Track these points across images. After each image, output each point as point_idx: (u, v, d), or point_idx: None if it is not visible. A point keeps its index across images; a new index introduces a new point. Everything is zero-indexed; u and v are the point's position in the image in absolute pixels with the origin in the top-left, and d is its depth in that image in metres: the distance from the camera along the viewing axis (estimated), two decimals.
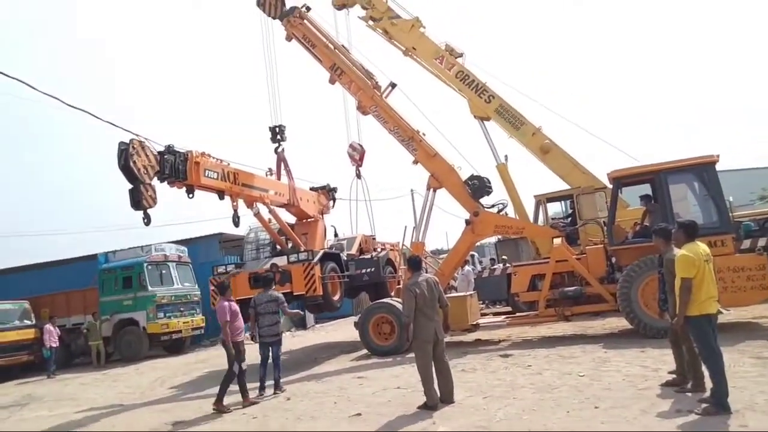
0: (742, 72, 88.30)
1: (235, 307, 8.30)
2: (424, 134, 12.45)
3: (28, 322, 17.14)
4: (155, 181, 9.59)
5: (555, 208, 16.57)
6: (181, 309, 17.80)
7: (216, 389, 8.27)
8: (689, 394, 5.86)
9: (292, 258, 11.72)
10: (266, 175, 12.98)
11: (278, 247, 13.04)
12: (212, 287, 12.10)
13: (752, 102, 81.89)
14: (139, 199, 9.15)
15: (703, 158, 9.43)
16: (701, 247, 5.55)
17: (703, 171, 9.42)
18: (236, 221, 11.44)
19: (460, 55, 12.81)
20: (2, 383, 15.39)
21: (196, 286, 18.63)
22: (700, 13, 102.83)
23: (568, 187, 12.51)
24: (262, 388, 8.80)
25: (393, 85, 12.87)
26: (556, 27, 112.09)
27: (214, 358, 15.43)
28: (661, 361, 7.38)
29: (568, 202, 14.91)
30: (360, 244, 14.57)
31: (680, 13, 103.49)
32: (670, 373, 6.55)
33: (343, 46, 13.33)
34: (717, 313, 5.53)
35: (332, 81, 13.02)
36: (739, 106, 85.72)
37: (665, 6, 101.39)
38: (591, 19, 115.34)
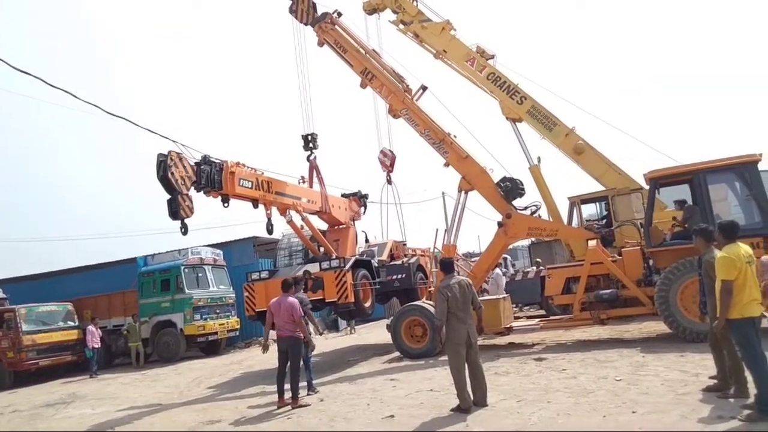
0: (749, 73, 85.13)
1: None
2: (455, 136, 12.42)
3: (71, 324, 17.74)
4: (192, 191, 9.86)
5: (589, 210, 16.27)
6: (217, 311, 18.16)
7: (252, 389, 8.41)
8: (732, 399, 5.70)
9: (324, 265, 11.84)
10: (298, 182, 13.18)
11: (310, 253, 13.20)
12: (246, 293, 12.34)
13: (759, 103, 79.03)
14: (177, 210, 9.44)
15: (745, 157, 9.16)
16: (743, 248, 5.41)
17: (744, 170, 9.14)
18: (270, 229, 11.68)
19: (492, 57, 12.72)
20: (48, 382, 15.97)
21: (231, 289, 18.97)
22: (705, 14, 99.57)
23: (603, 188, 12.30)
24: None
25: (424, 88, 12.90)
26: (560, 30, 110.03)
27: (249, 359, 15.69)
28: (702, 365, 7.19)
29: (603, 203, 14.65)
30: (391, 250, 14.64)
31: (684, 14, 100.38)
32: (711, 378, 6.38)
33: (374, 50, 13.43)
34: (761, 316, 5.38)
35: (363, 85, 13.13)
36: (745, 108, 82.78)
37: (669, 8, 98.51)
38: (594, 22, 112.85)
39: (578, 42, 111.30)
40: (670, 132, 76.05)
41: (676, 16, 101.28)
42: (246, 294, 12.44)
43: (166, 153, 9.46)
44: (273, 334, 8.67)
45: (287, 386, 8.27)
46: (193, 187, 9.90)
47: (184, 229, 9.75)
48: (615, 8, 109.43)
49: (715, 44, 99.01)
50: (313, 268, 11.98)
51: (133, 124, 10.94)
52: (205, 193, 10.32)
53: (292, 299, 8.31)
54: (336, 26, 13.29)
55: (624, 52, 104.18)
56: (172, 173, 9.36)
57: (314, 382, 9.07)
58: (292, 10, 13.63)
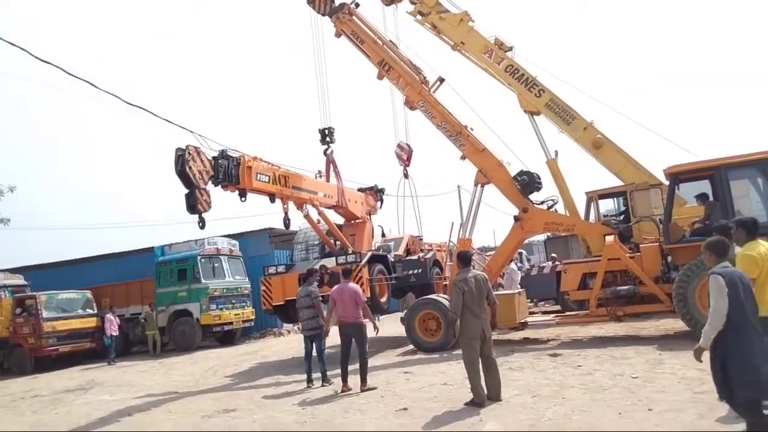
0: (756, 70, 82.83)
1: None
2: (472, 129, 12.32)
3: (90, 311, 18.04)
4: (209, 185, 9.91)
5: (607, 205, 16.12)
6: (233, 301, 18.33)
7: (267, 379, 8.45)
8: None
9: (341, 260, 11.84)
10: (315, 177, 13.18)
11: (327, 248, 13.22)
12: (263, 288, 12.54)
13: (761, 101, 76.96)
14: (195, 204, 9.48)
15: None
16: (763, 245, 5.29)
17: (767, 166, 8.97)
18: (287, 223, 11.72)
19: (510, 49, 12.58)
20: (68, 368, 16.26)
21: (247, 279, 19.11)
22: (711, 10, 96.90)
23: (622, 183, 12.15)
24: (309, 381, 9.02)
25: (441, 80, 12.79)
26: (561, 29, 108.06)
27: (264, 349, 15.83)
28: None
29: (622, 198, 14.47)
30: (407, 245, 14.62)
31: (689, 11, 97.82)
32: None
33: (391, 41, 13.34)
34: None
35: (380, 76, 13.06)
36: (752, 106, 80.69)
37: (672, 4, 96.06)
38: (596, 20, 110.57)
39: (579, 41, 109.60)
40: (673, 129, 74.79)
41: (680, 12, 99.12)
42: (263, 288, 12.54)
43: (184, 147, 9.50)
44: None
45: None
46: (210, 182, 9.95)
47: (202, 224, 9.83)
48: (616, 6, 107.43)
49: (720, 41, 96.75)
50: (330, 262, 12.01)
51: (152, 114, 11.03)
52: (222, 187, 10.36)
53: (354, 285, 8.50)
54: (353, 17, 13.23)
55: (626, 51, 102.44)
56: (190, 167, 9.40)
57: (328, 373, 9.12)
58: (310, 1, 13.59)
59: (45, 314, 16.69)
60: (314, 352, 9.10)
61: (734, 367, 4.21)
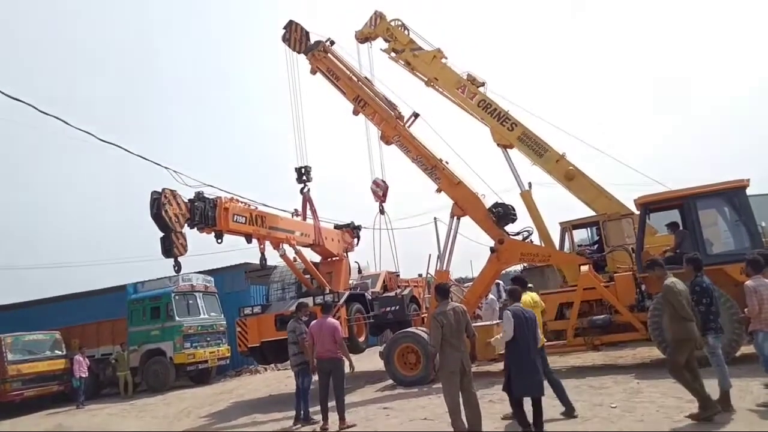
0: (746, 88, 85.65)
1: None
2: (447, 162, 12.51)
3: (59, 353, 17.43)
4: (185, 228, 9.83)
5: (581, 235, 16.35)
6: (208, 339, 17.91)
7: (244, 419, 8.23)
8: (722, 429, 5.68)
9: (318, 300, 11.71)
10: (292, 215, 13.15)
11: (304, 287, 13.09)
12: (239, 329, 12.35)
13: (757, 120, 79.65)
14: (170, 247, 9.41)
15: (734, 183, 9.29)
16: (530, 295, 7.35)
17: (733, 196, 9.27)
18: (263, 263, 11.65)
19: (482, 84, 12.91)
20: (34, 413, 15.60)
21: (222, 316, 18.76)
22: (708, 18, 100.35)
23: (594, 213, 12.39)
24: (297, 418, 8.85)
25: (416, 115, 13.02)
26: (557, 39, 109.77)
27: (240, 388, 15.45)
28: None
29: (595, 228, 14.72)
30: (384, 281, 14.57)
31: (686, 18, 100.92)
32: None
33: (366, 78, 13.59)
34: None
35: (356, 112, 13.25)
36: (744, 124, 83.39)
37: (666, 14, 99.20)
38: (590, 30, 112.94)
39: (574, 51, 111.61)
40: (670, 133, 75.51)
41: (679, 15, 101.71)
42: (238, 329, 12.33)
43: (160, 191, 9.46)
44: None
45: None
46: (186, 224, 9.87)
47: (178, 267, 9.72)
48: (611, 15, 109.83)
49: (717, 50, 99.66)
50: (306, 302, 11.89)
51: (125, 150, 10.99)
52: (198, 229, 10.31)
53: (333, 321, 8.39)
54: (328, 54, 13.47)
55: (621, 60, 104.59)
56: (166, 211, 9.34)
57: (310, 410, 8.92)
58: (285, 39, 13.83)
59: (10, 357, 16.07)
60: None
61: (518, 376, 6.14)
